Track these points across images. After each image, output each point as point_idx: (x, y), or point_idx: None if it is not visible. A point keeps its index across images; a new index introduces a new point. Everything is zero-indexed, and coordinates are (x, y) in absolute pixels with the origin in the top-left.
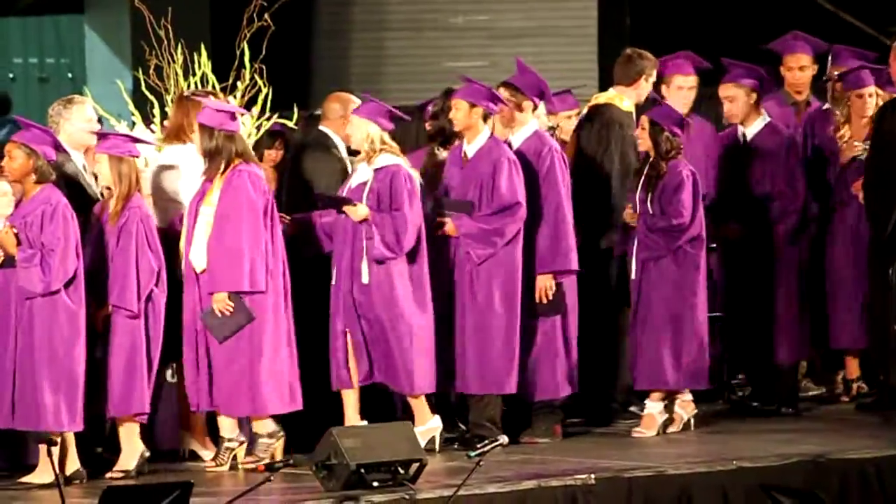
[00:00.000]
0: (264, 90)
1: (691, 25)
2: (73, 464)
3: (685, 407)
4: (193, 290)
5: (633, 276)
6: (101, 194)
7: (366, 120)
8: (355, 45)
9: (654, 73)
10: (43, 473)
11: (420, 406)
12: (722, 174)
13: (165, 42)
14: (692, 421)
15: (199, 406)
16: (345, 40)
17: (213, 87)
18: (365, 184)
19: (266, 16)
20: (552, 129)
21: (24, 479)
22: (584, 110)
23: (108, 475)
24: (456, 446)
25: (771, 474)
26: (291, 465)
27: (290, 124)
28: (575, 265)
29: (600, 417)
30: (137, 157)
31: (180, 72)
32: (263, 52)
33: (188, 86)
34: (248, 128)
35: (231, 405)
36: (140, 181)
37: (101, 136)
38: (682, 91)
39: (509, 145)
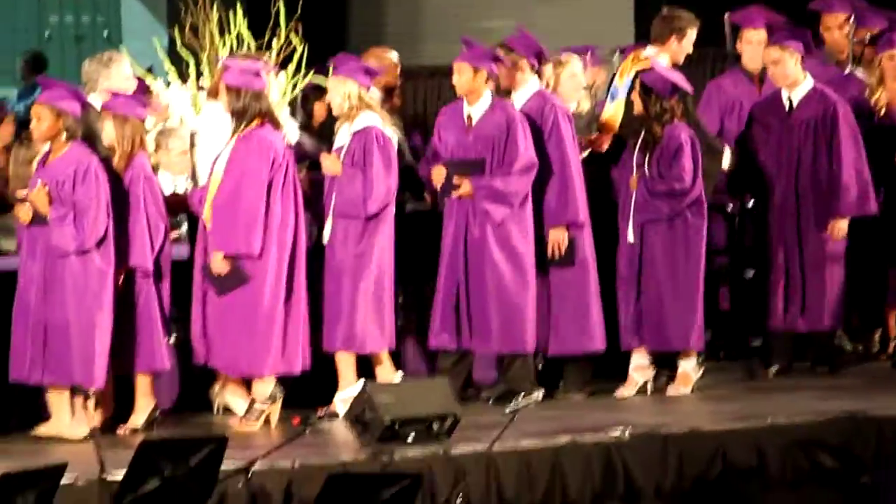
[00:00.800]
0: (300, 48)
1: None
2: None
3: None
4: (202, 245)
5: (630, 239)
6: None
7: (343, 79)
8: (391, 3)
9: (691, 32)
10: (78, 425)
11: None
12: (763, 138)
13: (201, 1)
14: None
15: (203, 360)
16: None
17: (248, 46)
18: (342, 148)
19: None
20: (589, 88)
21: (50, 432)
22: (632, 73)
23: (119, 431)
24: (490, 402)
25: (806, 431)
26: (326, 419)
27: (325, 83)
28: (582, 217)
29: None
30: (143, 118)
31: (216, 30)
32: (299, 10)
33: (223, 44)
34: (283, 86)
35: (229, 364)
36: (144, 142)
37: (112, 96)
38: (751, 45)
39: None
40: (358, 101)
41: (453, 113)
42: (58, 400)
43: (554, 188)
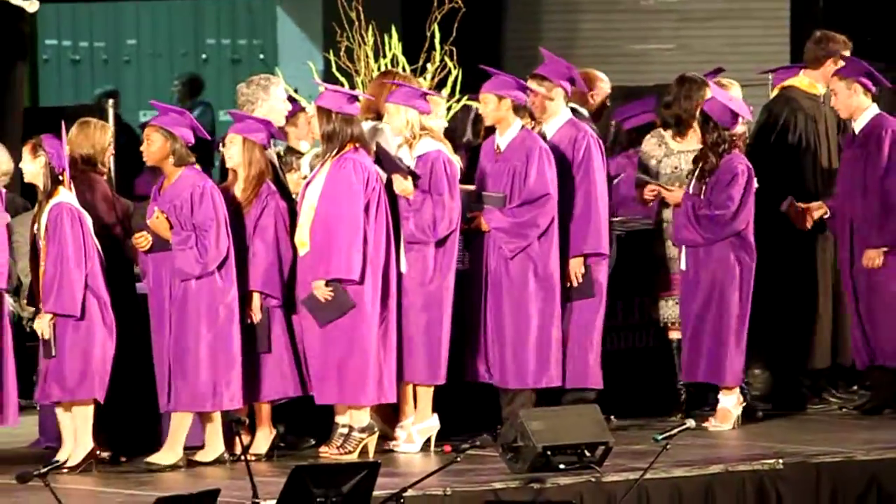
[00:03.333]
0: (454, 72)
1: (887, 7)
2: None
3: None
4: (297, 271)
5: (682, 266)
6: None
7: (403, 106)
8: (546, 27)
9: (846, 55)
10: (209, 451)
11: (426, 400)
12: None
13: (356, 23)
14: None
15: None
16: (535, 22)
17: (403, 68)
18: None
19: None
20: None
21: (203, 458)
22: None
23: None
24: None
25: None
26: (478, 447)
27: (480, 107)
28: (604, 248)
29: (789, 402)
30: (267, 145)
31: (371, 53)
32: (454, 33)
33: (378, 67)
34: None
35: (321, 392)
36: (269, 167)
37: (236, 117)
38: None
39: (543, 136)
40: (420, 129)
41: (490, 143)
42: (210, 427)
43: (577, 218)
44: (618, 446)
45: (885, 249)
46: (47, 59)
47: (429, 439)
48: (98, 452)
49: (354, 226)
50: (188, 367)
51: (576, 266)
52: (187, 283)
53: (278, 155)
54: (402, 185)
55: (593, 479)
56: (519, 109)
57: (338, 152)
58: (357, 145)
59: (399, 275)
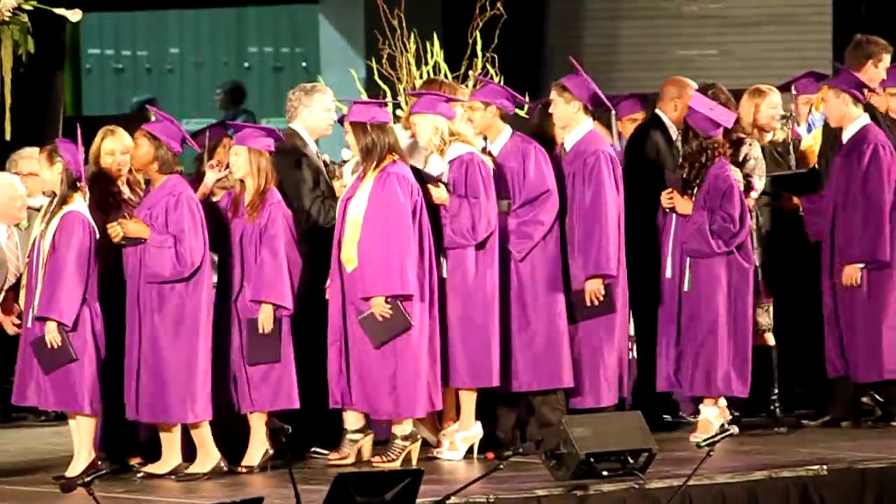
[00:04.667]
0: (496, 79)
1: None
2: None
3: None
4: (339, 287)
5: (668, 274)
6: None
7: (429, 115)
8: (588, 33)
9: (886, 58)
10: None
11: (469, 408)
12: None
13: (398, 31)
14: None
15: (339, 403)
16: (577, 29)
17: (446, 75)
18: (440, 175)
19: (499, 4)
20: (785, 117)
21: (243, 464)
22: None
23: (240, 469)
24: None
25: None
26: (521, 454)
27: (522, 113)
28: (612, 269)
29: (831, 408)
30: (272, 152)
31: (413, 61)
32: (496, 40)
33: (420, 75)
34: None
35: (374, 406)
36: (275, 174)
37: (238, 127)
38: None
39: (562, 146)
40: (449, 135)
41: (484, 153)
42: (166, 437)
43: (588, 238)
44: (661, 453)
45: (861, 266)
46: (90, 68)
47: (472, 447)
48: (99, 463)
49: (405, 241)
50: (153, 376)
51: (593, 286)
52: (158, 291)
53: (324, 162)
54: (437, 194)
55: (636, 486)
56: (506, 118)
57: (377, 165)
58: (396, 157)
59: (441, 280)
